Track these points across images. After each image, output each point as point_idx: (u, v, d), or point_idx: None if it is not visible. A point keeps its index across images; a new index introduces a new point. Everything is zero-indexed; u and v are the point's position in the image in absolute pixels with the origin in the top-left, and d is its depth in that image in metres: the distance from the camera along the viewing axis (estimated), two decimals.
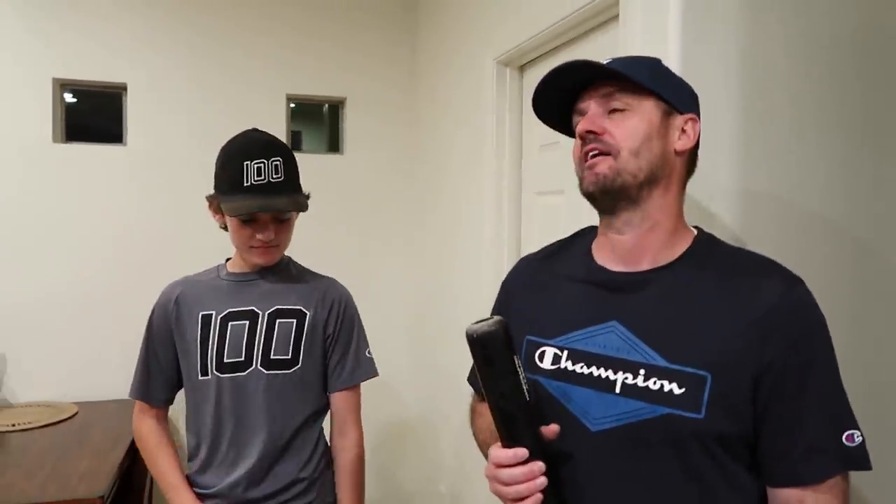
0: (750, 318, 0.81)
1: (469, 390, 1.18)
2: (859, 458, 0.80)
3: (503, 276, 2.18)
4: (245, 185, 1.33)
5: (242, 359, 1.41)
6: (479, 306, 2.27)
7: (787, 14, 1.29)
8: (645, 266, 0.90)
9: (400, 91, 3.04)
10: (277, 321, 1.43)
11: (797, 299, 0.83)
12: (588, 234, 1.04)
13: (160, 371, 1.46)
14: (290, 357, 1.43)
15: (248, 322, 1.42)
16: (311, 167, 2.90)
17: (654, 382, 0.83)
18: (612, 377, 0.86)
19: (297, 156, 2.85)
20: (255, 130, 1.44)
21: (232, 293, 1.45)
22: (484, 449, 1.05)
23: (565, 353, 0.92)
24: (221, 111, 2.77)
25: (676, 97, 0.92)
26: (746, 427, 0.81)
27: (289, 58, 2.86)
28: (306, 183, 2.90)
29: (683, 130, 0.91)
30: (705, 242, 0.93)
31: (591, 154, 0.90)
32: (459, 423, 2.47)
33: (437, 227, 2.77)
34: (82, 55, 2.61)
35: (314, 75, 2.91)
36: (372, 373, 1.57)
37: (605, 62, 0.91)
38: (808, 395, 0.80)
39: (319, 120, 3.19)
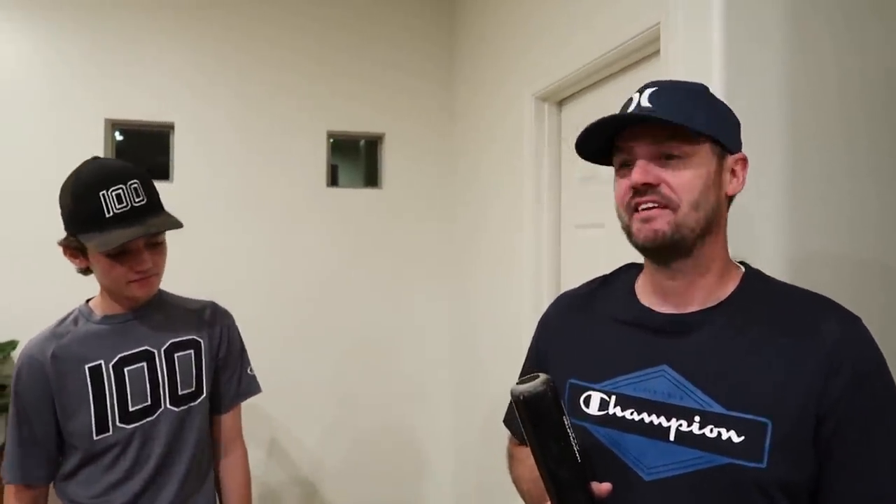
0: (810, 359, 0.77)
1: (505, 431, 1.14)
2: None
3: (542, 310, 2.18)
4: (108, 216, 1.20)
5: (149, 403, 1.32)
6: (518, 341, 2.25)
7: (834, 46, 1.28)
8: (694, 307, 0.87)
9: (437, 126, 3.08)
10: (175, 355, 1.36)
11: (858, 337, 0.79)
12: (631, 270, 1.00)
13: (37, 444, 1.30)
14: (195, 388, 1.39)
15: (144, 363, 1.32)
16: (349, 201, 2.97)
17: (711, 430, 0.79)
18: (664, 424, 0.82)
19: (335, 190, 2.97)
20: (95, 159, 1.31)
21: (116, 337, 1.31)
22: (526, 498, 1.02)
23: (613, 398, 0.88)
24: (264, 148, 2.85)
25: (730, 137, 0.87)
26: (811, 473, 0.77)
27: (330, 96, 2.93)
28: (345, 216, 2.96)
29: (734, 172, 0.87)
30: (754, 279, 0.88)
31: (645, 206, 0.83)
32: (500, 454, 2.44)
33: (476, 261, 2.77)
34: (132, 97, 2.71)
35: (354, 112, 2.97)
36: (256, 390, 1.55)
37: (648, 90, 0.86)
38: (875, 438, 0.76)
39: (356, 155, 3.24)
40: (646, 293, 0.93)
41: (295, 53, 2.89)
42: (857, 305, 1.16)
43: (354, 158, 3.26)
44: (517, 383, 0.82)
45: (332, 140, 3.02)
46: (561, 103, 2.14)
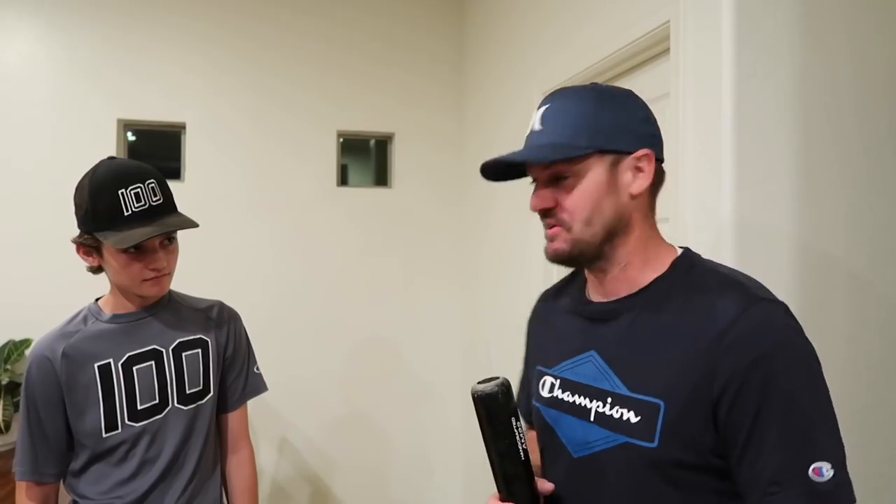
0: (701, 343, 0.78)
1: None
2: (831, 494, 0.72)
3: None
4: (126, 214, 1.21)
5: (157, 401, 1.33)
6: None
7: (846, 45, 1.27)
8: (619, 295, 0.90)
9: (447, 125, 3.08)
10: (183, 354, 1.37)
11: (751, 318, 0.77)
12: None
13: (48, 442, 1.31)
14: (202, 387, 1.40)
15: (153, 362, 1.33)
16: (359, 200, 2.98)
17: (617, 411, 0.84)
18: (587, 405, 0.88)
19: (345, 190, 2.97)
20: (112, 159, 1.32)
21: (125, 336, 1.33)
22: None
23: (558, 381, 0.95)
24: (274, 148, 2.86)
25: (621, 140, 0.86)
26: (705, 457, 0.78)
27: (339, 96, 2.94)
28: (355, 215, 2.97)
29: (638, 169, 0.86)
30: (681, 266, 0.88)
31: (547, 226, 0.90)
32: None
33: (486, 258, 2.77)
34: (144, 97, 2.74)
35: (364, 112, 2.98)
36: (262, 388, 1.55)
37: (542, 109, 0.89)
38: (767, 422, 0.74)
39: (366, 154, 3.25)
40: (590, 286, 0.99)
41: (305, 54, 2.90)
42: (871, 307, 1.15)
43: (364, 158, 3.26)
44: (478, 382, 0.90)
45: (342, 139, 3.03)
46: None
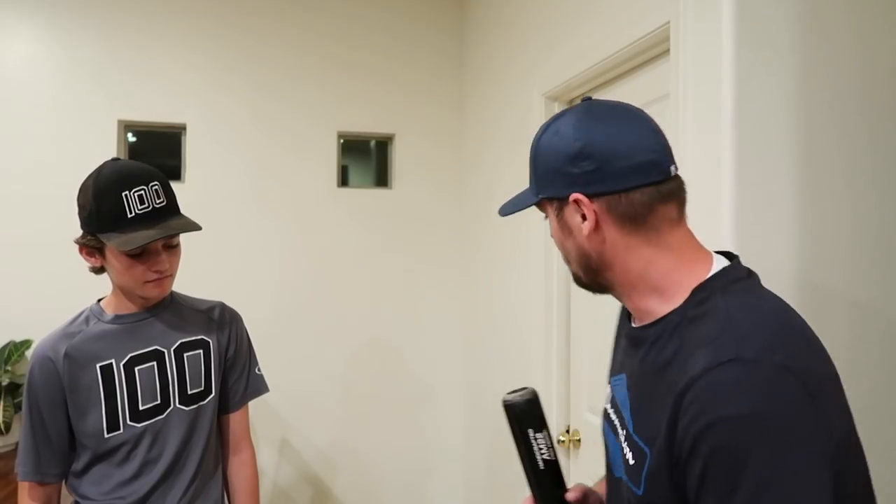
0: (672, 398, 0.71)
1: None
2: None
3: (552, 308, 2.18)
4: (130, 216, 1.22)
5: (159, 402, 1.34)
6: (528, 341, 2.25)
7: (847, 45, 1.28)
8: (644, 322, 0.85)
9: (447, 127, 3.08)
10: (185, 355, 1.38)
11: (712, 382, 0.68)
12: None
13: (50, 442, 1.32)
14: (203, 388, 1.41)
15: (154, 363, 1.34)
16: (360, 201, 2.98)
17: (626, 447, 0.83)
18: (618, 430, 0.87)
19: (345, 190, 2.98)
20: (115, 161, 1.32)
21: (127, 336, 1.34)
22: None
23: (609, 394, 0.95)
24: (275, 149, 2.87)
25: (552, 186, 0.84)
26: None
27: (340, 97, 2.94)
28: (355, 216, 2.97)
29: (580, 212, 0.82)
30: (696, 298, 0.78)
31: None
32: (510, 454, 2.44)
33: (486, 261, 2.77)
34: (145, 98, 2.74)
35: (364, 113, 2.98)
36: (264, 389, 1.56)
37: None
38: (706, 497, 0.67)
39: (366, 155, 3.25)
40: None
41: (305, 55, 2.91)
42: (872, 309, 1.15)
43: (365, 159, 3.26)
44: (510, 392, 0.97)
45: (342, 140, 3.03)
46: (570, 103, 2.14)
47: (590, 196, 0.80)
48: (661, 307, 0.81)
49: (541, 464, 0.94)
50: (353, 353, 2.96)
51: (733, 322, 0.73)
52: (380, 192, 3.05)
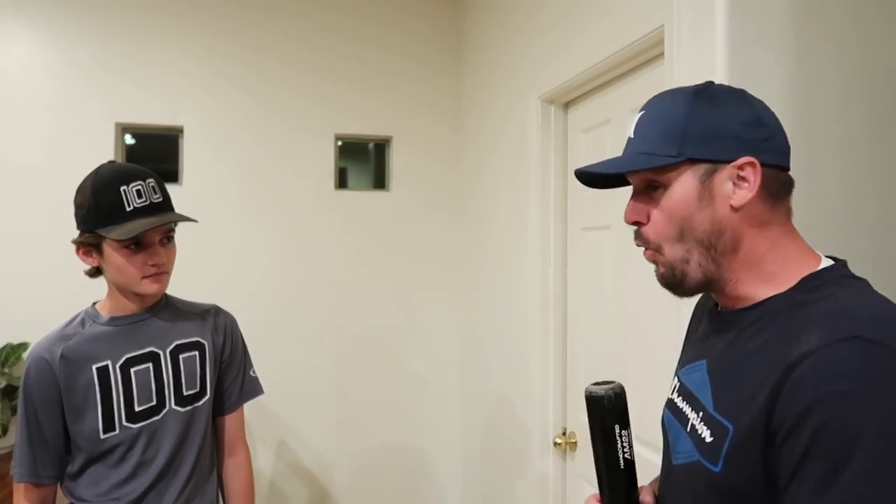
0: (775, 372, 0.70)
1: None
2: None
3: (549, 312, 2.19)
4: (128, 209, 1.25)
5: (155, 403, 1.35)
6: (525, 342, 2.25)
7: (838, 49, 1.28)
8: (736, 307, 0.83)
9: (445, 129, 3.09)
10: (180, 357, 1.39)
11: (827, 357, 0.66)
12: None
13: (46, 444, 1.32)
14: (199, 389, 1.42)
15: (150, 364, 1.35)
16: (357, 203, 2.99)
17: (701, 426, 0.80)
18: (688, 414, 0.85)
19: (343, 193, 2.98)
20: (112, 162, 1.37)
21: (122, 338, 1.35)
22: None
23: (678, 384, 0.93)
24: (273, 151, 2.87)
25: (716, 147, 0.78)
26: (760, 490, 0.71)
27: (337, 99, 2.95)
28: (353, 218, 2.98)
29: (741, 178, 0.78)
30: (808, 285, 0.78)
31: (643, 252, 0.86)
32: (512, 457, 2.44)
33: (483, 263, 2.78)
34: (142, 101, 2.74)
35: (362, 116, 2.99)
36: (259, 391, 1.58)
37: (639, 115, 0.84)
38: (805, 477, 0.65)
39: (365, 157, 3.26)
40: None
41: (303, 57, 2.91)
42: None
43: (363, 161, 3.27)
44: (594, 383, 0.92)
45: (340, 143, 3.03)
46: (567, 105, 2.15)
47: (762, 163, 0.78)
48: (756, 292, 0.80)
49: (622, 462, 0.90)
50: (350, 355, 2.96)
51: (853, 308, 0.72)
52: (377, 195, 3.06)
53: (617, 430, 0.90)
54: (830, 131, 1.26)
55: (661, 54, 1.49)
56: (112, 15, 2.71)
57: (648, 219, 0.82)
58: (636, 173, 0.83)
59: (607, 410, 0.89)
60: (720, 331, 0.85)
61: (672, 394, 0.93)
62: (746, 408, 0.73)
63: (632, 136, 0.83)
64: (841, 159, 1.27)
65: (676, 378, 0.94)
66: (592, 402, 0.90)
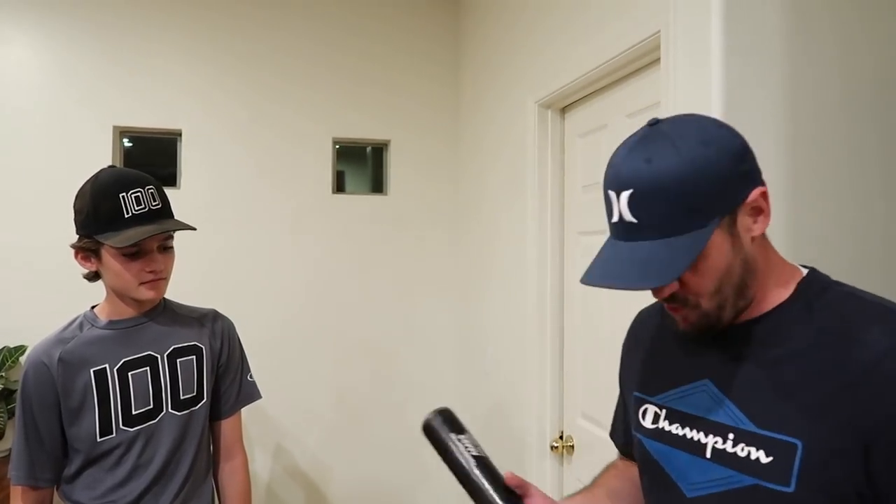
0: (846, 377, 0.70)
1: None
2: None
3: (546, 316, 2.19)
4: (127, 216, 1.26)
5: (152, 406, 1.35)
6: (523, 347, 2.26)
7: (834, 55, 1.29)
8: (740, 319, 0.81)
9: (443, 133, 3.10)
10: (178, 361, 1.40)
11: None
12: None
13: (44, 447, 1.32)
14: (195, 393, 1.42)
15: (147, 368, 1.36)
16: (355, 207, 2.99)
17: (743, 449, 0.76)
18: (702, 440, 0.81)
19: (341, 197, 2.99)
20: (111, 167, 1.36)
21: (120, 342, 1.35)
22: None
23: (664, 411, 0.88)
24: (271, 154, 2.87)
25: (732, 196, 0.75)
26: (850, 500, 0.70)
27: (336, 103, 2.96)
28: (350, 222, 2.98)
29: (756, 210, 0.77)
30: (811, 287, 0.80)
31: (671, 307, 0.82)
32: (509, 461, 2.44)
33: (480, 267, 2.78)
34: (140, 104, 2.74)
35: (360, 119, 2.99)
36: (256, 396, 1.58)
37: (624, 195, 0.75)
38: None
39: (362, 161, 3.26)
40: None
41: (302, 61, 2.92)
42: None
43: (360, 165, 3.28)
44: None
45: (338, 147, 3.04)
46: (564, 110, 2.15)
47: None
48: (765, 301, 0.80)
49: (472, 460, 0.95)
50: (348, 358, 2.96)
51: (882, 302, 0.75)
52: (375, 199, 3.06)
53: (454, 437, 0.97)
54: (828, 135, 1.27)
55: (658, 60, 1.50)
56: (110, 19, 2.72)
57: (681, 286, 0.78)
58: None
59: (436, 429, 0.99)
60: (722, 346, 0.82)
61: (654, 423, 0.88)
62: (815, 420, 0.71)
63: (632, 220, 0.75)
64: (840, 163, 1.28)
65: (652, 406, 0.90)
66: (425, 430, 1.00)
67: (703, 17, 1.29)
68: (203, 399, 1.44)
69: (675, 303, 0.80)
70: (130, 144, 2.87)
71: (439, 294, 3.08)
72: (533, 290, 2.19)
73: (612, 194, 0.77)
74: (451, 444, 0.97)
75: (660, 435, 0.87)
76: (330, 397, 2.94)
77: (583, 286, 2.07)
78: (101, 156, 2.68)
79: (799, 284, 0.80)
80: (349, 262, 2.98)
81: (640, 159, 0.75)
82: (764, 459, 0.74)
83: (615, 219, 0.78)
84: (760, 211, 0.77)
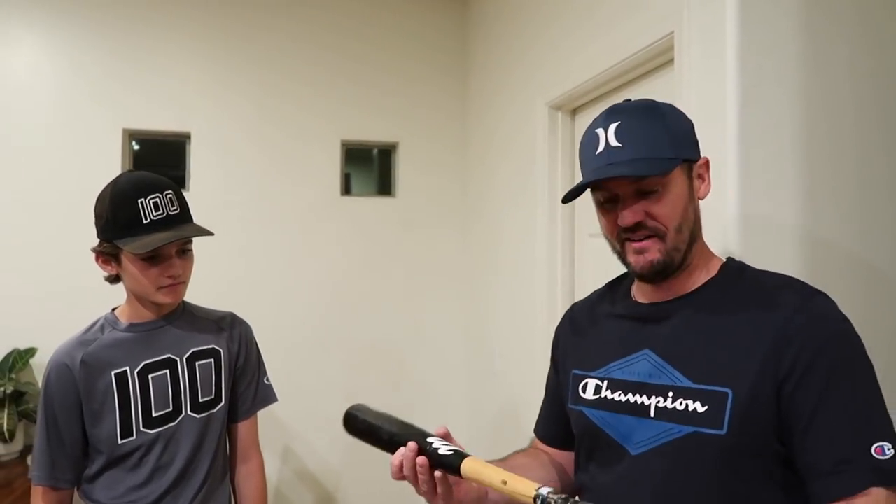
0: (767, 331, 0.83)
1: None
2: (893, 472, 0.77)
3: (557, 316, 2.17)
4: (145, 222, 1.26)
5: (171, 409, 1.37)
6: (532, 349, 2.25)
7: (849, 55, 1.28)
8: (672, 296, 0.95)
9: (451, 134, 3.09)
10: (196, 364, 1.41)
11: (814, 309, 0.84)
12: (630, 276, 1.07)
13: (65, 448, 1.34)
14: (214, 396, 1.43)
15: (167, 371, 1.37)
16: (363, 209, 2.99)
17: (681, 403, 0.86)
18: (646, 402, 0.90)
19: (348, 199, 2.99)
20: (130, 172, 1.38)
21: (141, 345, 1.37)
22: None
23: (605, 382, 0.97)
24: (279, 156, 2.88)
25: (692, 148, 0.94)
26: (770, 442, 0.82)
27: (343, 105, 2.96)
28: (358, 224, 2.98)
29: (700, 177, 0.95)
30: (731, 269, 0.96)
31: (637, 238, 0.91)
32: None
33: (489, 269, 2.77)
34: (150, 107, 2.75)
35: (368, 121, 2.99)
36: (272, 399, 1.59)
37: (612, 126, 0.90)
38: (830, 404, 0.80)
39: (369, 163, 3.26)
40: (637, 289, 1.03)
41: (309, 63, 2.92)
42: (874, 311, 1.16)
43: (368, 167, 3.27)
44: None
45: (345, 149, 3.04)
46: (574, 112, 2.15)
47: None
48: (695, 279, 0.95)
49: (386, 420, 1.06)
50: (357, 359, 2.96)
51: (788, 277, 0.92)
52: (383, 201, 3.06)
53: (365, 411, 1.12)
54: (844, 134, 1.26)
55: (671, 61, 1.49)
56: (120, 21, 2.72)
57: (646, 216, 0.90)
58: (635, 180, 0.89)
59: (351, 416, 1.14)
60: (658, 320, 0.94)
61: (598, 394, 0.97)
62: (742, 371, 0.83)
63: (616, 143, 0.89)
64: (855, 162, 1.27)
65: (593, 379, 0.99)
66: (345, 423, 1.14)
67: (718, 17, 1.28)
68: (221, 402, 1.45)
69: (644, 230, 0.90)
70: (139, 147, 2.88)
71: (448, 296, 3.07)
72: (542, 291, 2.18)
73: (600, 132, 0.92)
74: (366, 415, 1.10)
75: (603, 403, 0.96)
76: (338, 399, 2.91)
77: (593, 288, 2.06)
78: (111, 159, 2.69)
79: (722, 266, 0.96)
80: (357, 265, 2.97)
81: (622, 105, 0.95)
82: (700, 409, 0.84)
83: (600, 149, 0.91)
84: (702, 177, 0.95)
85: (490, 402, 2.73)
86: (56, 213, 2.61)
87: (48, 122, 2.66)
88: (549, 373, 1.22)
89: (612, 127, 0.90)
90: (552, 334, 2.12)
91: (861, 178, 1.28)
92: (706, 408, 0.83)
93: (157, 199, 1.28)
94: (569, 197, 0.98)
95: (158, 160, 2.95)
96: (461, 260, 3.08)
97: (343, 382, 2.93)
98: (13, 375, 2.48)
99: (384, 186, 3.15)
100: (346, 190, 3.06)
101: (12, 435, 2.40)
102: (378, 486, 2.95)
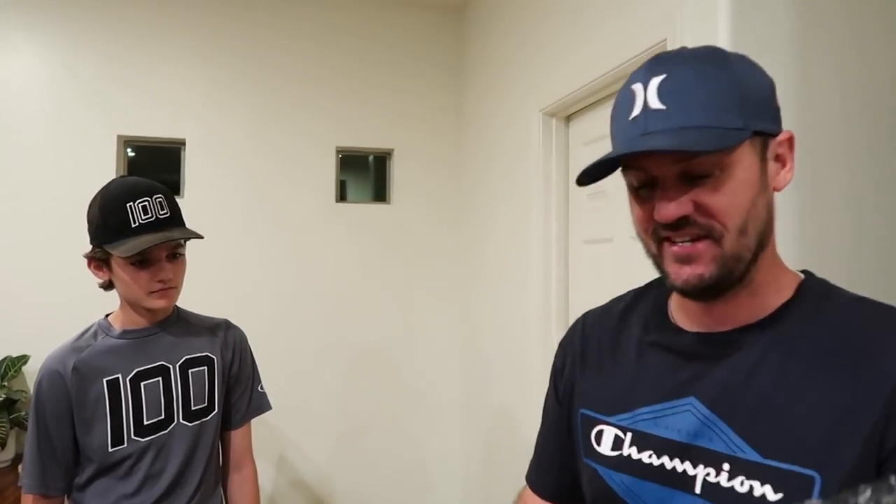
0: (877, 391, 0.59)
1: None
2: None
3: (551, 322, 2.18)
4: (133, 226, 1.26)
5: (163, 417, 1.35)
6: (527, 356, 2.25)
7: (840, 63, 1.29)
8: (738, 324, 0.68)
9: (446, 142, 3.10)
10: (189, 371, 1.40)
11: None
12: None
13: (56, 455, 1.32)
14: (207, 404, 1.42)
15: (160, 378, 1.36)
16: (358, 216, 2.99)
17: (742, 483, 0.62)
18: (690, 472, 0.66)
19: (344, 205, 2.99)
20: (123, 177, 1.38)
21: (133, 351, 1.35)
22: None
23: (629, 435, 0.73)
24: (273, 163, 2.88)
25: (770, 117, 0.66)
26: None
27: (339, 113, 2.96)
28: (353, 231, 2.98)
29: (779, 158, 0.67)
30: (812, 291, 0.68)
31: (682, 240, 0.65)
32: (514, 471, 2.43)
33: (484, 276, 2.77)
34: (144, 114, 2.75)
35: (363, 128, 3.00)
36: (266, 407, 1.58)
37: (655, 80, 0.64)
38: None
39: (364, 170, 3.27)
40: (679, 308, 0.75)
41: (304, 70, 2.93)
42: None
43: (363, 174, 3.28)
44: None
45: (341, 155, 3.04)
46: (568, 118, 2.15)
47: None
48: (763, 304, 0.68)
49: None
50: (352, 367, 2.95)
51: (888, 312, 0.65)
52: (378, 207, 3.06)
53: None
54: (834, 142, 1.27)
55: None
56: (115, 28, 2.73)
57: (698, 209, 0.64)
58: (681, 158, 0.62)
59: None
60: (711, 357, 0.68)
61: (619, 450, 0.73)
62: (838, 448, 0.59)
63: (658, 106, 0.63)
64: (845, 170, 1.27)
65: (611, 428, 0.75)
66: None
67: (710, 25, 1.29)
68: (214, 410, 1.44)
69: (691, 229, 0.64)
70: (134, 154, 2.87)
71: (443, 303, 3.07)
72: (538, 298, 2.18)
73: (638, 88, 0.66)
74: None
75: (626, 464, 0.72)
76: (333, 406, 2.93)
77: (588, 295, 2.08)
78: (106, 165, 2.69)
79: (799, 287, 0.69)
80: (353, 272, 2.97)
81: (671, 54, 0.66)
82: (771, 496, 0.60)
83: (635, 112, 0.65)
84: (785, 162, 0.68)
85: (485, 408, 2.73)
86: (50, 221, 2.60)
87: (43, 129, 2.66)
88: (548, 400, 0.92)
89: (655, 82, 0.64)
90: (546, 340, 2.16)
91: (855, 184, 1.28)
92: (779, 496, 0.60)
93: (147, 203, 1.28)
94: (585, 176, 0.68)
95: (153, 167, 2.95)
96: (456, 267, 3.08)
97: (338, 390, 2.93)
98: (5, 383, 2.47)
99: (379, 193, 3.16)
100: (342, 197, 3.06)
101: (4, 443, 2.38)
102: (372, 492, 2.95)
